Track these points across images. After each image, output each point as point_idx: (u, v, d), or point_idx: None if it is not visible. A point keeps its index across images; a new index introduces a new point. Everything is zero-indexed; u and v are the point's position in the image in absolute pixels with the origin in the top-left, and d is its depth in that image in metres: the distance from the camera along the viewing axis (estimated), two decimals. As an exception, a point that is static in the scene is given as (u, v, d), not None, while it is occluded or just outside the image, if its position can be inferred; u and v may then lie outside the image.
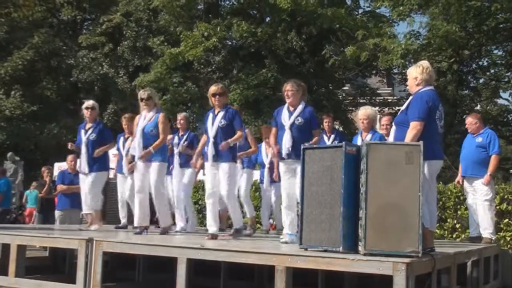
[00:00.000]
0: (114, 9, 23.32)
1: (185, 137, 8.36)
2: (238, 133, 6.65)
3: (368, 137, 7.43)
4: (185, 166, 8.21)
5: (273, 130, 6.57)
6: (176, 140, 8.35)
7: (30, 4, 25.97)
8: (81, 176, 8.08)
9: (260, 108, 18.61)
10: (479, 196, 7.70)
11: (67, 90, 23.72)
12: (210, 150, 6.58)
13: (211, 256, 5.30)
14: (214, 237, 6.47)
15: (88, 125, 7.98)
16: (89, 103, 8.13)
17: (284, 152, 6.24)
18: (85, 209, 8.11)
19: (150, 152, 7.01)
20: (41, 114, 22.41)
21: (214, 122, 6.64)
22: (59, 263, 8.39)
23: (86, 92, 22.47)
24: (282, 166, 6.38)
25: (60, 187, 10.19)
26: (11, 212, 14.43)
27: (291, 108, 6.37)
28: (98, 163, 7.83)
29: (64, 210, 10.18)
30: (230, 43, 21.19)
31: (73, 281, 6.05)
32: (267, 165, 8.58)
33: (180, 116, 8.66)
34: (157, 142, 7.08)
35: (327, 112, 9.95)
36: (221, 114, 6.65)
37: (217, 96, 6.68)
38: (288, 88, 6.36)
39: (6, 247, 6.96)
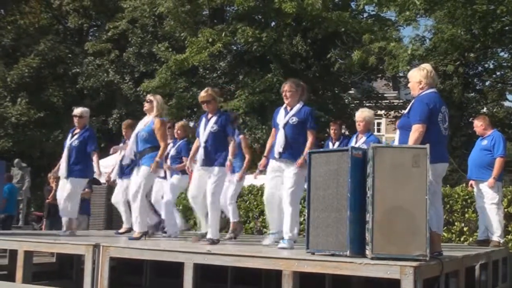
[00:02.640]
0: (120, 16, 23.37)
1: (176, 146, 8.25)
2: (232, 143, 6.54)
3: (363, 139, 7.46)
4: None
5: (272, 131, 6.50)
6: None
7: (36, 11, 26.10)
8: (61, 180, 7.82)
9: (265, 113, 18.60)
10: (485, 199, 7.67)
11: (73, 96, 23.81)
12: (200, 155, 6.51)
13: (217, 261, 5.29)
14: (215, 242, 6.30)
15: (76, 131, 7.83)
16: (77, 111, 7.92)
17: (276, 151, 6.14)
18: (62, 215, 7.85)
19: (158, 164, 6.90)
20: (47, 121, 22.48)
21: (206, 127, 6.57)
22: (66, 269, 8.40)
23: (91, 99, 22.55)
24: (271, 164, 6.28)
25: (67, 193, 10.19)
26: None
27: (288, 108, 6.28)
28: (78, 170, 7.65)
29: (71, 216, 10.18)
30: (235, 48, 21.21)
31: (80, 286, 6.06)
32: None
33: (177, 125, 8.54)
34: (160, 152, 6.94)
35: (335, 120, 9.86)
36: (214, 119, 6.57)
37: (205, 104, 6.61)
38: (286, 88, 6.26)
39: (14, 253, 6.98)
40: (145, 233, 7.03)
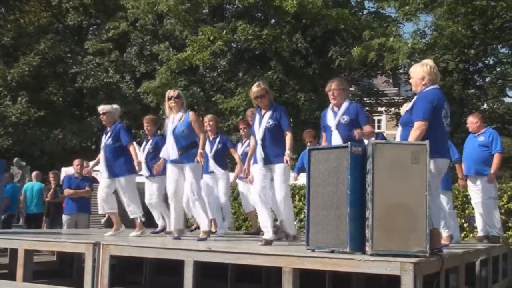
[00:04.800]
0: (120, 15, 23.30)
1: (217, 140, 8.04)
2: (289, 136, 6.22)
3: None
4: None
5: (324, 136, 6.24)
6: (207, 144, 7.87)
7: (36, 10, 26.09)
8: (101, 179, 7.65)
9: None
10: (483, 195, 7.67)
11: (73, 95, 23.78)
12: (259, 153, 6.22)
13: (218, 259, 5.29)
14: (269, 242, 5.94)
15: (108, 129, 7.63)
16: (100, 108, 7.77)
17: None
18: (132, 215, 7.60)
19: (203, 155, 6.64)
20: (47, 119, 22.47)
21: (261, 123, 6.26)
22: (67, 267, 8.40)
23: (92, 97, 22.50)
24: None
25: (67, 191, 10.21)
26: None
27: (335, 108, 6.07)
28: (119, 168, 7.43)
29: (72, 215, 10.19)
30: (235, 46, 21.20)
31: (80, 285, 6.05)
32: None
33: (208, 117, 8.26)
34: (201, 142, 6.69)
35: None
36: (268, 114, 6.26)
37: (259, 99, 6.33)
38: (334, 87, 6.05)
39: (14, 252, 6.98)
40: (210, 232, 6.93)
